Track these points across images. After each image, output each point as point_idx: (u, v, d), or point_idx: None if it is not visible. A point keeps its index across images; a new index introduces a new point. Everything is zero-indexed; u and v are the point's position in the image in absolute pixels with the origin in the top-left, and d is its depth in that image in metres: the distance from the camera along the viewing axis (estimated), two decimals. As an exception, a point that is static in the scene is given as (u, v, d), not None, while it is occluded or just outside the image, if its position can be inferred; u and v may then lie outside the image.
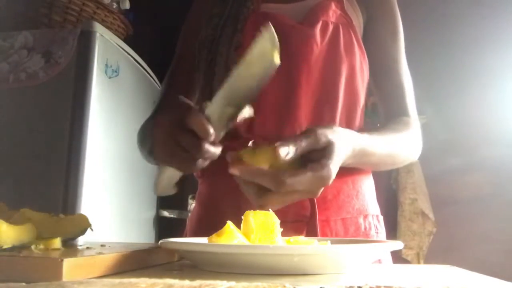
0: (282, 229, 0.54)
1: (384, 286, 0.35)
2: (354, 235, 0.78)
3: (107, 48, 1.69)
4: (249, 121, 0.79)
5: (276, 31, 0.80)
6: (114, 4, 1.85)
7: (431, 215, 2.73)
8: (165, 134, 0.64)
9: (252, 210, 0.54)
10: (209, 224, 0.83)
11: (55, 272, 0.38)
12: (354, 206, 0.80)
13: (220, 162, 0.85)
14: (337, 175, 0.83)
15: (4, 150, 1.59)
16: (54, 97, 1.60)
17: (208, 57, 0.84)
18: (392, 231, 2.76)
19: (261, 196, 0.58)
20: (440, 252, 2.68)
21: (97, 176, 1.62)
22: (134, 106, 1.89)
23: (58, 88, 1.59)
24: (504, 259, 2.52)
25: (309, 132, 0.60)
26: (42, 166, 1.56)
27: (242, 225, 0.54)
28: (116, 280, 0.38)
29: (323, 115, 0.80)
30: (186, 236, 0.89)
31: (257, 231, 0.53)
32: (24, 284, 0.37)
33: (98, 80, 1.63)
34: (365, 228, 0.80)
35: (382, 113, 0.92)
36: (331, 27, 0.82)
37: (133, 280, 0.38)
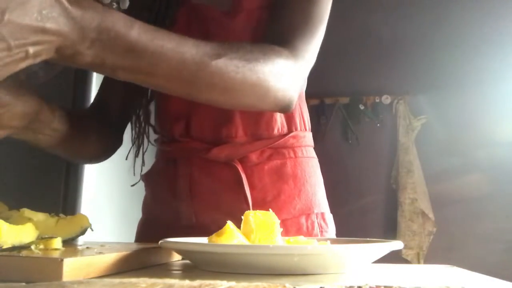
0: (282, 229, 0.54)
1: (384, 286, 0.35)
2: (296, 235, 0.75)
3: (107, 48, 1.69)
4: (185, 123, 0.78)
5: (202, 26, 0.78)
6: (114, 4, 1.85)
7: (431, 215, 2.73)
8: None
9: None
10: (149, 232, 0.83)
11: (55, 272, 0.38)
12: (295, 206, 0.78)
13: (160, 170, 0.85)
14: (277, 174, 0.80)
15: (4, 150, 1.59)
16: (54, 97, 1.59)
17: None
18: (392, 231, 2.76)
19: None
20: (440, 252, 2.68)
21: (97, 176, 1.62)
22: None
23: (58, 88, 1.59)
24: (504, 259, 2.52)
25: None
26: (42, 166, 1.56)
27: (242, 225, 0.54)
28: (116, 280, 0.38)
29: (260, 114, 0.77)
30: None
31: (257, 231, 0.53)
32: (24, 284, 0.37)
33: (98, 80, 1.62)
34: (307, 228, 0.78)
35: None
36: (256, 15, 0.77)
37: (133, 280, 0.38)
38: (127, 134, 0.90)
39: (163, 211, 0.82)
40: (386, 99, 2.90)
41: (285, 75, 0.64)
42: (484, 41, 2.78)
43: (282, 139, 0.78)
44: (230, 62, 0.57)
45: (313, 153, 0.85)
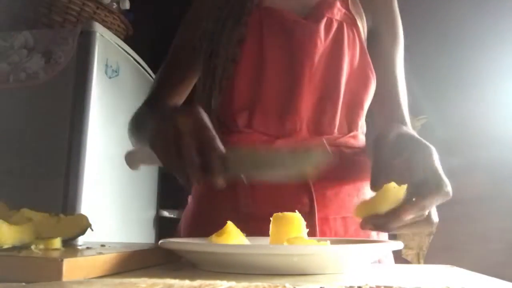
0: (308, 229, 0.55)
1: (384, 286, 0.35)
2: (354, 235, 0.77)
3: (107, 48, 1.69)
4: (249, 114, 0.79)
5: (279, 27, 0.82)
6: (114, 4, 1.85)
7: (431, 215, 2.73)
8: (168, 145, 0.59)
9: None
10: (205, 221, 0.82)
11: (55, 272, 0.38)
12: (355, 205, 0.80)
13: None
14: (337, 171, 0.81)
15: (4, 150, 1.59)
16: (54, 97, 1.60)
17: (208, 50, 0.84)
18: (392, 231, 2.76)
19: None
20: (440, 252, 2.67)
21: (97, 176, 1.62)
22: (134, 106, 1.89)
23: (58, 88, 1.59)
24: (504, 259, 2.52)
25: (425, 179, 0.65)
26: (42, 166, 1.56)
27: (271, 226, 0.55)
28: (116, 280, 0.38)
29: (325, 111, 0.80)
30: (179, 232, 0.87)
31: (284, 232, 0.54)
32: (24, 284, 0.37)
33: (98, 80, 1.63)
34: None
35: (378, 118, 0.90)
36: (335, 25, 0.82)
37: (133, 280, 0.38)
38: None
39: (220, 201, 0.80)
40: (386, 99, 2.90)
41: None
42: (484, 41, 2.78)
43: (342, 138, 0.81)
44: None
45: (365, 155, 0.87)
